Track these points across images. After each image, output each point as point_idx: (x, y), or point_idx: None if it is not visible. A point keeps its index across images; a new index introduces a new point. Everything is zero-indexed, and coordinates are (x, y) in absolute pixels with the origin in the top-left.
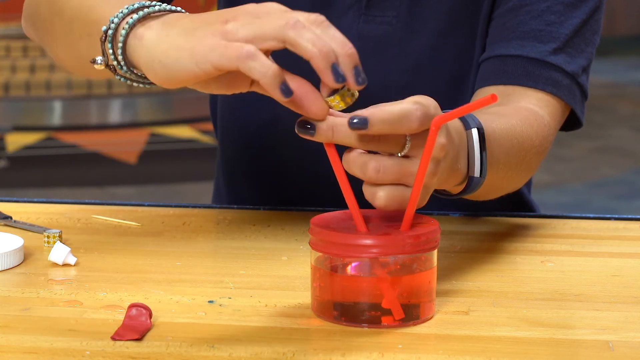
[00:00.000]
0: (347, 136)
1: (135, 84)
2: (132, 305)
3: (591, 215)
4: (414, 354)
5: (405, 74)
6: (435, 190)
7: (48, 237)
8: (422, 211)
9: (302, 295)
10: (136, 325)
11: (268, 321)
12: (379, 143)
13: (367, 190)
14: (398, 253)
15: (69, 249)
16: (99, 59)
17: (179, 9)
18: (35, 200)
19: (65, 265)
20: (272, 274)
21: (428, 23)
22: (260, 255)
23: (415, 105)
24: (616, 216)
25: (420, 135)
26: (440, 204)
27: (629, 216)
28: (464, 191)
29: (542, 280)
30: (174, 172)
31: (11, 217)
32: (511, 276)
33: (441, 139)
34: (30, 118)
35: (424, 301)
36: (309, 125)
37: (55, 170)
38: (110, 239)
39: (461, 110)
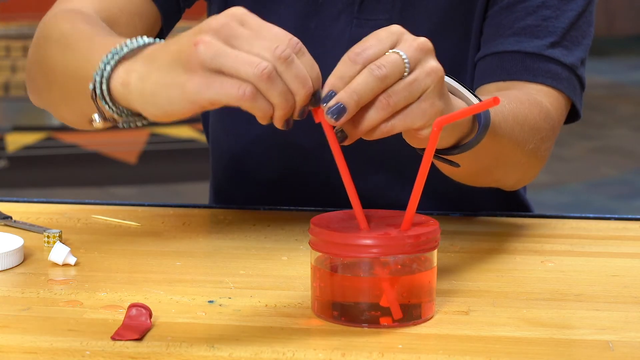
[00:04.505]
0: (366, 88)
1: (140, 124)
2: (132, 305)
3: (591, 215)
4: (414, 354)
5: None
6: (458, 148)
7: (48, 237)
8: (422, 211)
9: (302, 295)
10: (136, 325)
11: (268, 321)
12: (386, 79)
13: (385, 127)
14: (398, 253)
15: (69, 249)
16: (95, 116)
17: (150, 40)
18: (35, 200)
19: (65, 265)
20: (272, 274)
21: (421, 25)
22: (260, 255)
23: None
24: (616, 216)
25: (415, 55)
26: (440, 204)
27: (629, 216)
28: (480, 130)
29: (542, 280)
30: (174, 172)
31: (11, 217)
32: (511, 276)
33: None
34: (30, 118)
35: (424, 301)
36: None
37: (55, 170)
38: (110, 239)
39: (463, 112)
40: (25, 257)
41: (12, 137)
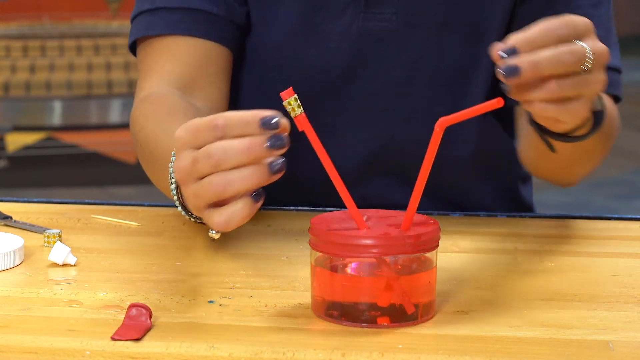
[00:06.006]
0: (549, 66)
1: None
2: (132, 305)
3: (591, 215)
4: (414, 354)
5: (405, 69)
6: (563, 136)
7: (48, 237)
8: (422, 211)
9: (302, 295)
10: (136, 325)
11: (268, 321)
12: (569, 67)
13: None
14: (398, 253)
15: (69, 249)
16: (211, 232)
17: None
18: (35, 200)
19: (65, 265)
20: (272, 274)
21: (427, 18)
22: (260, 255)
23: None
24: (616, 216)
25: (597, 59)
26: (440, 204)
27: (629, 216)
28: (594, 126)
29: (542, 280)
30: None
31: (11, 217)
32: (511, 276)
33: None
34: (30, 118)
35: (423, 301)
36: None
37: (55, 170)
38: (110, 239)
39: (467, 112)
40: (25, 257)
41: (12, 137)
